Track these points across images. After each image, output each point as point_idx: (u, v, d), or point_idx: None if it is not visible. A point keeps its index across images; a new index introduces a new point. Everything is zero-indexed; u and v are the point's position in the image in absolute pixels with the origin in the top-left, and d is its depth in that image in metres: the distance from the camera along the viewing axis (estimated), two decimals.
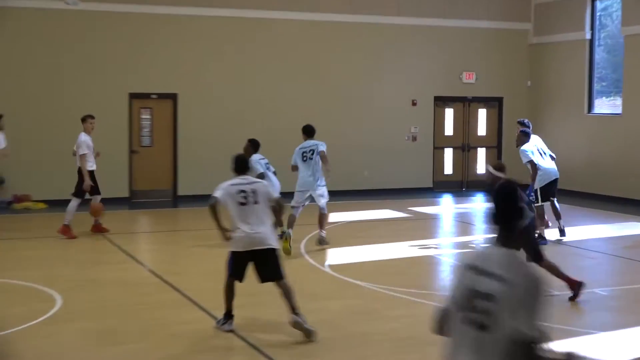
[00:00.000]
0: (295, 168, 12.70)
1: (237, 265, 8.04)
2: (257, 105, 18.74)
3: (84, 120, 13.88)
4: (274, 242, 8.03)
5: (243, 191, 7.98)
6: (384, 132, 18.07)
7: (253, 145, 13.12)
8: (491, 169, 9.60)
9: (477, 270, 3.73)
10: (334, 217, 15.68)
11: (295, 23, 19.06)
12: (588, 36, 19.54)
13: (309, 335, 7.84)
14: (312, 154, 12.49)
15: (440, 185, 20.84)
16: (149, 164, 18.31)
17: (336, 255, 12.07)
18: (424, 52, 20.32)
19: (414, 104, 20.34)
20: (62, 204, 16.92)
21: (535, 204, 12.90)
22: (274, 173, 13.07)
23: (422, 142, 20.44)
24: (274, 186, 12.67)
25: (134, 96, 18.07)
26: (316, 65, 19.33)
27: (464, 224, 15.86)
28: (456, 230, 15.25)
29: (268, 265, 7.98)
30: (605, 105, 19.82)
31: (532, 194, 12.90)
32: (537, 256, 9.05)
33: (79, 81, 17.54)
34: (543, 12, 20.84)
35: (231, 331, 8.09)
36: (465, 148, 21.20)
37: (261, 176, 12.66)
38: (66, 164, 17.37)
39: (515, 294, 3.58)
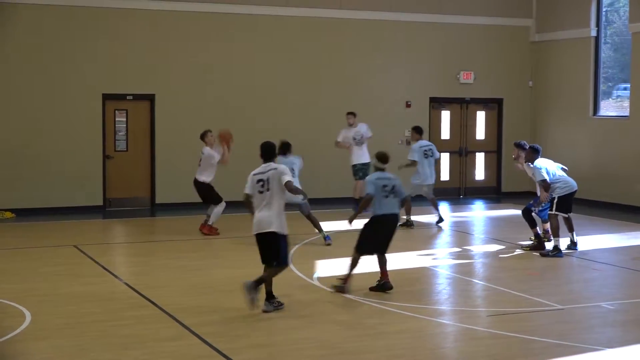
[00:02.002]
0: (416, 163, 15.77)
1: (259, 248, 9.47)
2: (240, 107, 18.76)
3: (204, 135, 14.77)
4: (275, 227, 9.30)
5: (261, 180, 9.44)
6: (376, 135, 18.09)
7: (283, 148, 13.42)
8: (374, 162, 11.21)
9: None
10: (323, 227, 15.65)
11: (280, 19, 19.09)
12: (594, 33, 19.68)
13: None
14: (432, 152, 15.87)
15: (436, 193, 20.80)
16: (124, 170, 18.31)
17: (325, 267, 12.10)
18: (419, 50, 20.40)
19: (408, 105, 20.41)
20: (32, 213, 16.98)
21: (550, 212, 13.05)
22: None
23: None
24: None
25: (107, 97, 18.06)
26: (302, 64, 19.35)
27: (461, 233, 15.92)
28: (453, 240, 15.30)
29: (270, 248, 9.40)
30: (612, 107, 19.94)
31: (544, 205, 13.13)
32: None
33: (48, 81, 17.51)
34: (546, 7, 20.97)
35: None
36: (462, 153, 21.28)
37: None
38: (36, 171, 17.39)
39: None
